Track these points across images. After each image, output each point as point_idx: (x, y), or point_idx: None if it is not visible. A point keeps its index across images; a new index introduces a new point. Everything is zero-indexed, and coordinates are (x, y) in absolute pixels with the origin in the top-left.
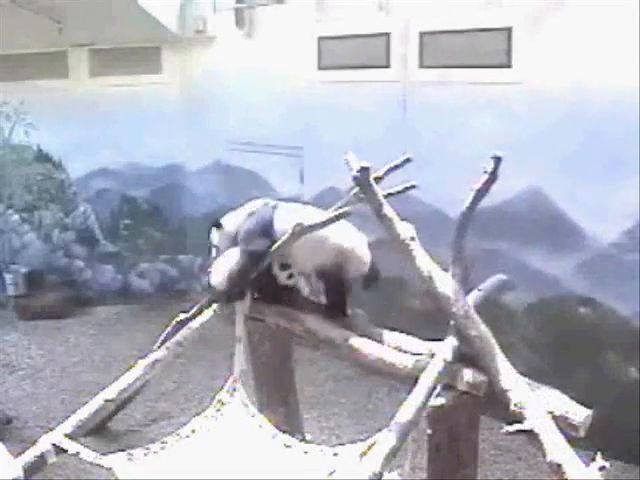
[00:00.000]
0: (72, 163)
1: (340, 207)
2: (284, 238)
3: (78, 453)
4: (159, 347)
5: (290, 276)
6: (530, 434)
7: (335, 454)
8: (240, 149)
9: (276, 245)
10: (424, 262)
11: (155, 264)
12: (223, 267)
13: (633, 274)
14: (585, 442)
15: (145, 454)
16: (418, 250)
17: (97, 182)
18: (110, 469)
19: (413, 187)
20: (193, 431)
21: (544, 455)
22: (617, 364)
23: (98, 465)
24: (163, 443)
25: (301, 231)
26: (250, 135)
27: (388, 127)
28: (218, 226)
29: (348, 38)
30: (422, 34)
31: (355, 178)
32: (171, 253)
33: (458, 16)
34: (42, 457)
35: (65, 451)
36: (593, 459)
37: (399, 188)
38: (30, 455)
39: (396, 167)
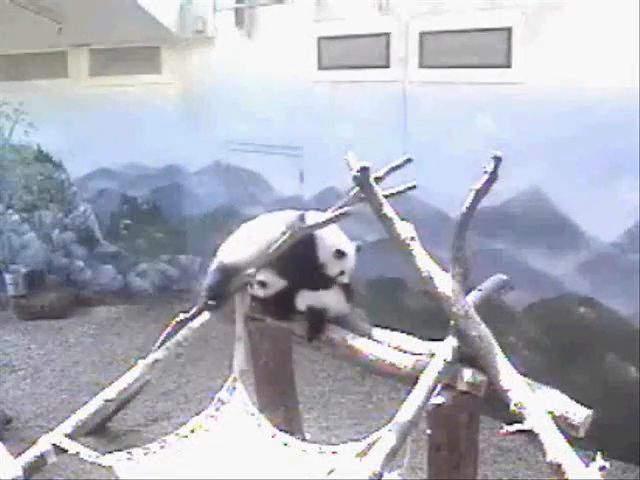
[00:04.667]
0: (72, 163)
1: (340, 207)
2: (282, 239)
3: (78, 453)
4: (159, 347)
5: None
6: (530, 434)
7: (334, 452)
8: (240, 149)
9: (275, 246)
10: (424, 262)
11: (155, 264)
12: None
13: (633, 274)
14: (585, 442)
15: (145, 453)
16: (418, 250)
17: (97, 182)
18: (110, 468)
19: (414, 187)
20: (192, 431)
21: (544, 455)
22: (617, 364)
23: (98, 465)
24: (162, 442)
25: (300, 231)
26: (250, 135)
27: (388, 127)
28: None
29: (348, 38)
30: (422, 34)
31: (355, 178)
32: (171, 253)
33: (458, 16)
34: (42, 457)
35: (65, 451)
36: (593, 459)
37: (400, 188)
38: (30, 455)
39: (397, 167)
